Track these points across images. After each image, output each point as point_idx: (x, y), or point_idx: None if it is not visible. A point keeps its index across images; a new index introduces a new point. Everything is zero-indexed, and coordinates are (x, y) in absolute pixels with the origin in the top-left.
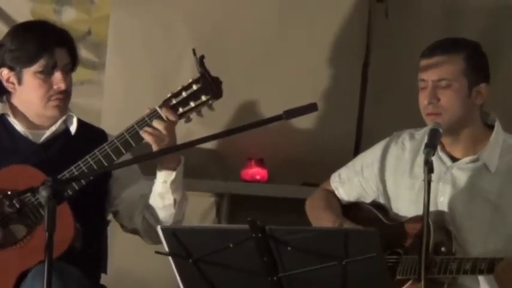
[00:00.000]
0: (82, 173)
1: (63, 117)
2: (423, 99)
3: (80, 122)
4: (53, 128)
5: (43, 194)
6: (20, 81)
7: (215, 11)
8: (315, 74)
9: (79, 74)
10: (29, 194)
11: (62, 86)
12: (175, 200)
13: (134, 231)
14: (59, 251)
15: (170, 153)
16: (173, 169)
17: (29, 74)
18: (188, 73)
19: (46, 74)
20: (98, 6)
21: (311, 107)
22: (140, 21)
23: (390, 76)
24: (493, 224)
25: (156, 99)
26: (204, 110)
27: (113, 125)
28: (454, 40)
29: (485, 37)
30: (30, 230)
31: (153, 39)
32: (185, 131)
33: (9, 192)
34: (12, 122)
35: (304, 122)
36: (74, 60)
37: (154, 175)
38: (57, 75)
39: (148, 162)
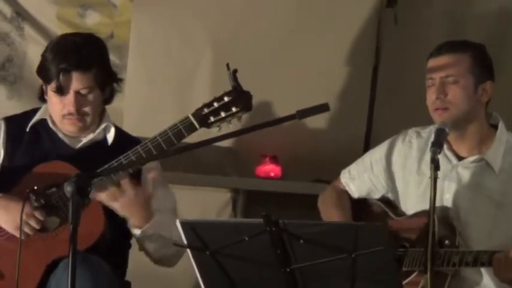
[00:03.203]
0: (107, 169)
1: (102, 126)
2: (431, 95)
3: (117, 131)
4: (91, 136)
5: (68, 189)
6: (46, 93)
7: (231, 15)
8: (327, 75)
9: None
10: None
11: (70, 109)
12: (148, 251)
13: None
14: (87, 243)
15: (188, 151)
16: (139, 227)
17: (50, 90)
18: (205, 74)
19: (60, 94)
20: (120, 11)
21: (323, 107)
22: (160, 25)
23: (398, 78)
24: (496, 222)
25: (174, 99)
26: (234, 121)
27: (134, 123)
28: (460, 40)
29: (489, 41)
30: (62, 221)
31: (172, 43)
32: (203, 130)
33: (35, 187)
34: (51, 126)
35: (316, 122)
36: (99, 80)
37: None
38: (69, 97)
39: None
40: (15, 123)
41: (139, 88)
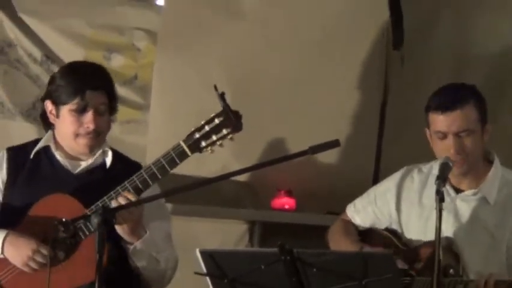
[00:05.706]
0: (131, 202)
1: (100, 151)
2: (441, 145)
3: (116, 155)
4: (90, 161)
5: (95, 221)
6: (58, 115)
7: (247, 59)
8: (338, 112)
9: (126, 113)
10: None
11: (91, 126)
12: (138, 268)
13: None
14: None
15: (206, 185)
16: (131, 243)
17: (65, 110)
18: None
19: (78, 112)
20: (143, 54)
21: (334, 143)
22: (181, 67)
23: (405, 115)
24: (490, 251)
25: None
26: (227, 142)
27: None
28: (459, 91)
29: (492, 78)
30: (67, 255)
31: (192, 83)
32: (221, 165)
33: (64, 219)
34: (54, 152)
35: (328, 157)
36: (112, 102)
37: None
38: (88, 116)
39: None
40: (17, 152)
41: (162, 126)
